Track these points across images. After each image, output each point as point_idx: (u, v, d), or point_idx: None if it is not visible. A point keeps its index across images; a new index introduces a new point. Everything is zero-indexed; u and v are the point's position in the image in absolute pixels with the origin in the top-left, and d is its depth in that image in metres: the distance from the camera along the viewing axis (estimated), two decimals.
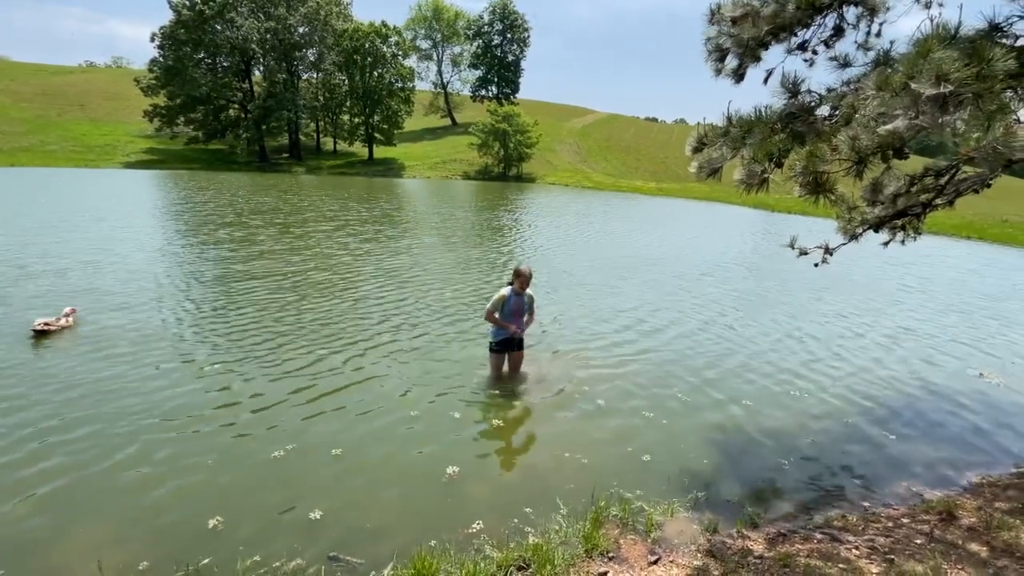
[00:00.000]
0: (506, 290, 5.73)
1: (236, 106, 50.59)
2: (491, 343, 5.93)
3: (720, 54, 3.85)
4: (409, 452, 4.58)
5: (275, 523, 3.63)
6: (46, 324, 6.68)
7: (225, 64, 49.69)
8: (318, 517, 3.68)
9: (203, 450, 4.43)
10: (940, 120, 1.95)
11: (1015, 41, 3.29)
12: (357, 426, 4.94)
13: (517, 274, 5.67)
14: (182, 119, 47.74)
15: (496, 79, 71.73)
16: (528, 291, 5.82)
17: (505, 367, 6.09)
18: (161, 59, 46.61)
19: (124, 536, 3.46)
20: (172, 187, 28.14)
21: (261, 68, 51.48)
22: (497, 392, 5.78)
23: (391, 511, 3.82)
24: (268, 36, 48.05)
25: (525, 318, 5.92)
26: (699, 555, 3.44)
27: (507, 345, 5.92)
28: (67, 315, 7.07)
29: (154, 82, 46.72)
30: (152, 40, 46.22)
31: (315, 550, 3.38)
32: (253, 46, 47.52)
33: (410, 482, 4.16)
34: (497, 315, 5.73)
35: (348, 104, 53.56)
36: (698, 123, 3.89)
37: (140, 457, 4.29)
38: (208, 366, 6.07)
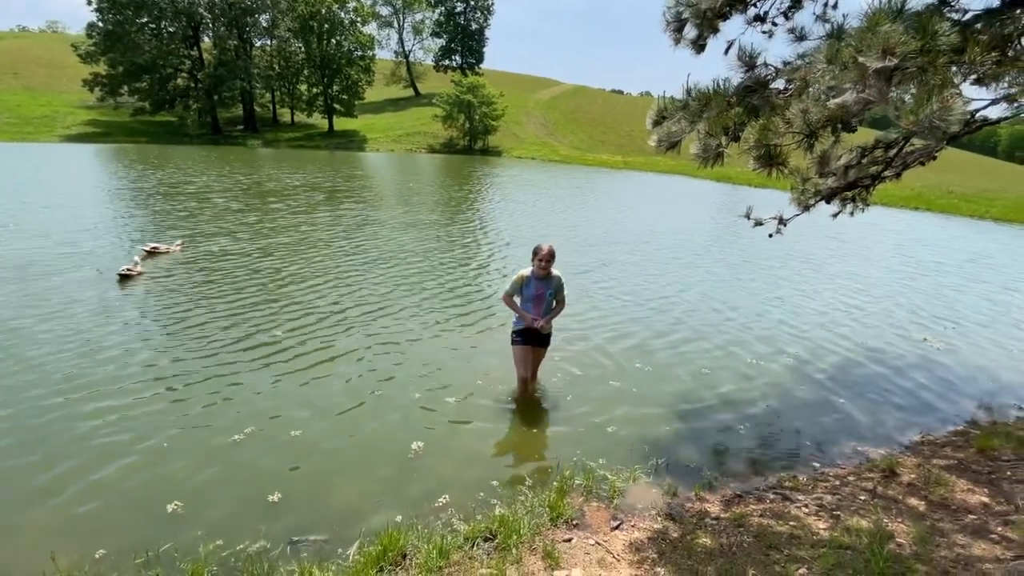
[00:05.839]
0: (527, 270, 4.86)
1: (185, 75, 47.86)
2: (512, 333, 5.06)
3: (679, 24, 3.82)
4: (371, 431, 4.56)
5: (237, 506, 3.58)
6: (128, 269, 8.23)
7: (171, 30, 46.73)
8: (278, 499, 3.64)
9: (159, 433, 4.30)
10: (886, 94, 2.00)
11: (963, 16, 3.37)
12: (318, 407, 4.88)
13: (534, 253, 4.76)
14: (126, 88, 44.95)
15: (460, 48, 69.97)
16: (555, 273, 4.87)
17: None
18: (100, 23, 43.55)
19: (77, 524, 3.36)
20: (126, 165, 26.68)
21: (210, 34, 48.72)
22: (460, 368, 5.78)
23: (355, 490, 3.81)
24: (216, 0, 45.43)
25: (553, 307, 4.99)
26: (659, 518, 3.58)
27: (531, 336, 5.01)
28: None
29: (93, 48, 43.65)
30: (89, 3, 43.09)
31: (278, 531, 3.36)
32: (201, 10, 44.91)
33: (374, 461, 4.15)
34: (517, 299, 4.93)
35: (305, 73, 51.37)
36: (659, 96, 3.88)
37: (92, 441, 4.15)
38: (164, 348, 5.87)
